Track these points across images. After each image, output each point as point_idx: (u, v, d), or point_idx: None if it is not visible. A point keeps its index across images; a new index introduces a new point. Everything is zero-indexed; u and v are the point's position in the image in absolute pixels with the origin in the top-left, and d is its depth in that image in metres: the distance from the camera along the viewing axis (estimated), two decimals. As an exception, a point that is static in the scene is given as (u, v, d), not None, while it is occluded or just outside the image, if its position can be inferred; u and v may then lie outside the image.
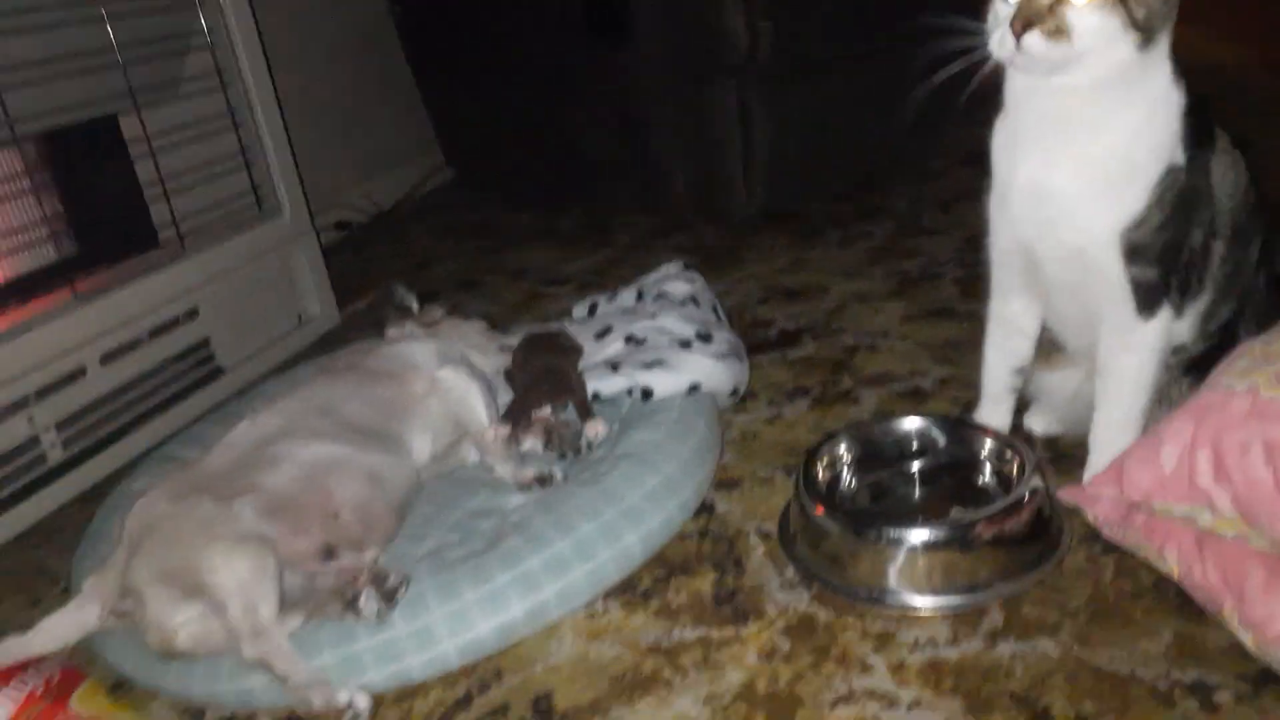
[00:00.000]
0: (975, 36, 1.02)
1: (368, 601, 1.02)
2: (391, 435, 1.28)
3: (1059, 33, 0.94)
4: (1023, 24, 0.94)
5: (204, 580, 1.01)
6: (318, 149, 2.62)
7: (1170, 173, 1.03)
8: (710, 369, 1.44)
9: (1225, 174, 1.09)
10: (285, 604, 1.05)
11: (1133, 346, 1.10)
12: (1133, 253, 1.05)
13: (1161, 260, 1.05)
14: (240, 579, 1.01)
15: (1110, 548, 1.10)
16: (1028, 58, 0.96)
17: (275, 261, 1.94)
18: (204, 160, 1.80)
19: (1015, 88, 1.07)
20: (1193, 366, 1.15)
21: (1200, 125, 1.05)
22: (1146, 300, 1.07)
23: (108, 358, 1.59)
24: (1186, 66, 1.04)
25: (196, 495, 1.09)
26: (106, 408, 1.60)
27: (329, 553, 1.12)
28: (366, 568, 1.07)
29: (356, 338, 1.64)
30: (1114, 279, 1.07)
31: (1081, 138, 1.03)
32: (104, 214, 1.70)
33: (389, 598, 1.04)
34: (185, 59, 1.81)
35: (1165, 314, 1.08)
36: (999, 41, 0.98)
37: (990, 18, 1.01)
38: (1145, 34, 0.97)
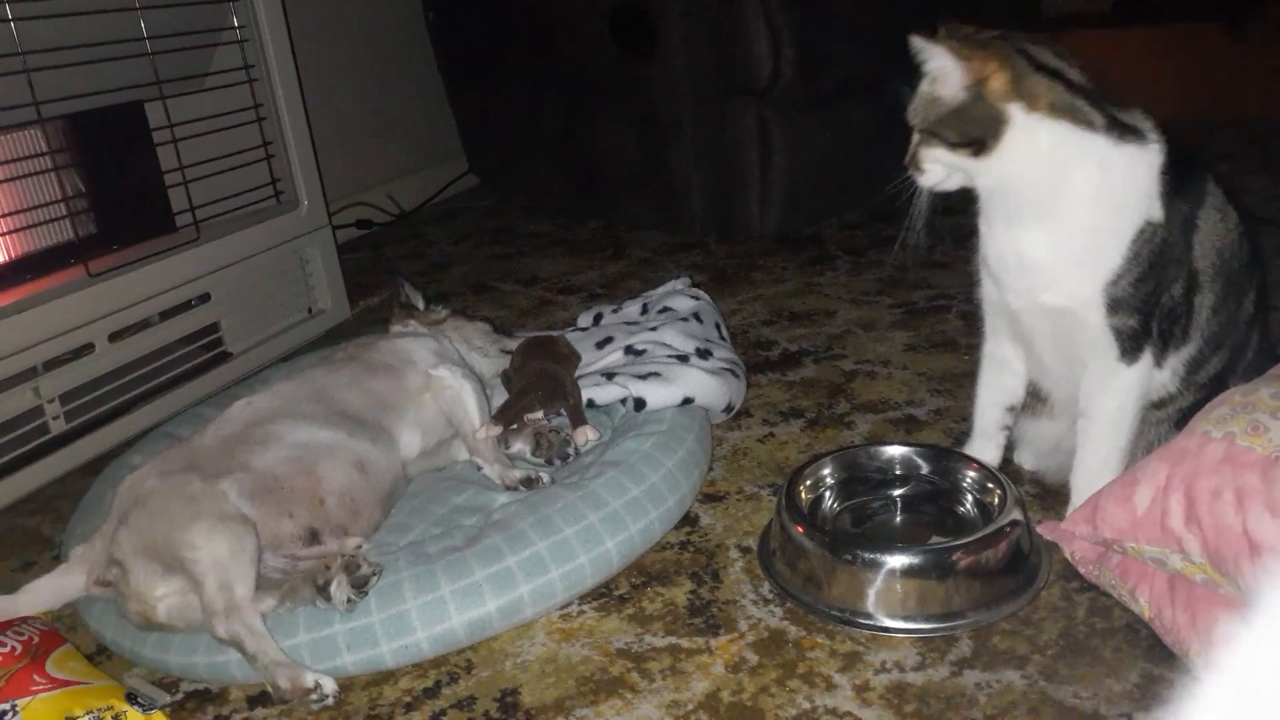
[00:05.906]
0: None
1: (338, 588, 1.04)
2: (383, 427, 1.30)
3: (920, 170, 1.11)
4: (912, 167, 1.12)
5: (183, 556, 1.03)
6: (345, 148, 2.67)
7: (1147, 228, 1.04)
8: (705, 384, 1.45)
9: (1214, 227, 1.10)
10: (264, 585, 1.07)
11: (1113, 390, 1.11)
12: (1114, 305, 1.07)
13: (1141, 310, 1.07)
14: (218, 558, 1.02)
15: (1087, 586, 1.10)
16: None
17: (289, 253, 1.97)
18: (226, 150, 1.84)
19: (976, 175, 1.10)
20: (1183, 419, 1.15)
21: (1184, 180, 1.06)
22: (1128, 347, 1.09)
23: (116, 336, 1.62)
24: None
25: (185, 472, 1.11)
26: (111, 384, 1.63)
27: (313, 537, 1.14)
28: (340, 554, 1.08)
29: (365, 332, 1.67)
30: (1096, 331, 1.09)
31: (1043, 217, 1.06)
32: (123, 197, 1.73)
33: (359, 586, 1.05)
34: (214, 52, 1.85)
35: (1146, 360, 1.10)
36: None
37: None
38: (971, 146, 1.04)
